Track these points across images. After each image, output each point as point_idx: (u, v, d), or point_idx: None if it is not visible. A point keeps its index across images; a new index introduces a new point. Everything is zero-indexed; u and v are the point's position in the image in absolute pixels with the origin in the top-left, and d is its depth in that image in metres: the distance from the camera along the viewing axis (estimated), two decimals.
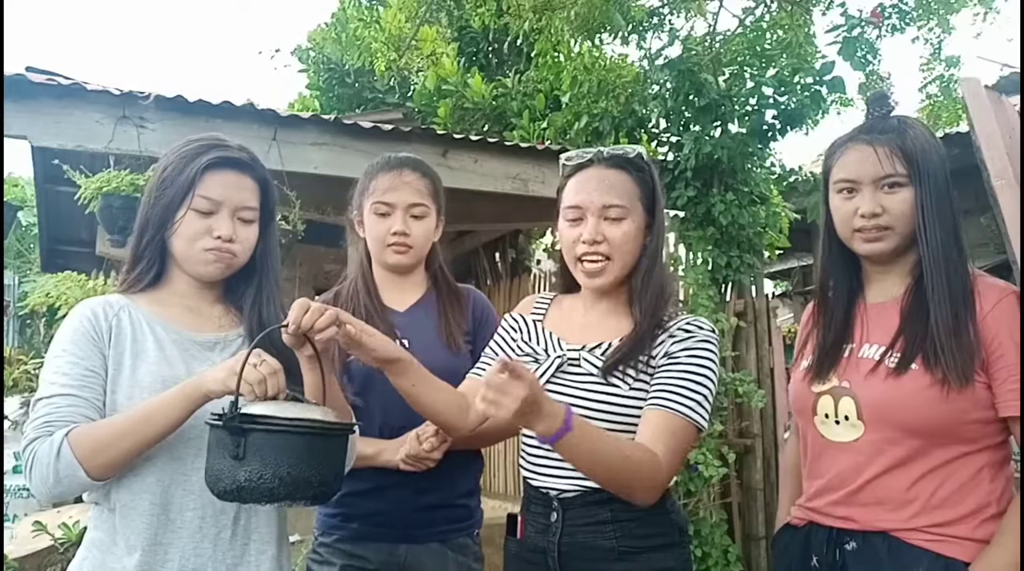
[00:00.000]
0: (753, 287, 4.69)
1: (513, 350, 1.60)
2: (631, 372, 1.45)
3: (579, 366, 1.49)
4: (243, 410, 1.15)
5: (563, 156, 1.58)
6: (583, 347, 1.50)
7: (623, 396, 1.44)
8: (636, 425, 1.42)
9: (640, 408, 1.43)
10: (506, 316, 1.68)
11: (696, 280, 4.32)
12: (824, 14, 5.41)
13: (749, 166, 4.51)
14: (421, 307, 1.85)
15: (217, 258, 1.39)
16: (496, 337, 1.66)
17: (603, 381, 1.45)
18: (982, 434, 1.31)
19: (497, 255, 6.31)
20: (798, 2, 5.19)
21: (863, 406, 1.36)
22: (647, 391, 1.43)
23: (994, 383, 1.29)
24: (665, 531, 1.45)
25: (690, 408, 1.39)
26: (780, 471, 1.66)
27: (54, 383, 1.29)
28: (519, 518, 1.54)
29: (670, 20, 5.61)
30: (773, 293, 8.87)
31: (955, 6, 6.42)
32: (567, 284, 1.62)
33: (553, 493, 1.47)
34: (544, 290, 5.61)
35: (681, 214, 4.56)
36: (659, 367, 1.44)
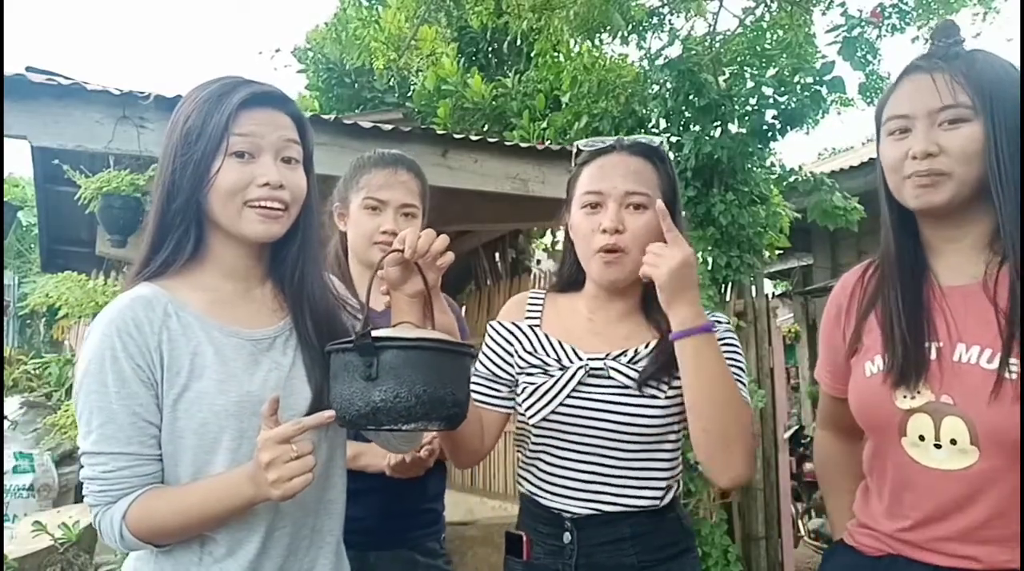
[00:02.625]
0: (753, 287, 4.69)
1: (512, 365, 1.45)
2: (666, 381, 1.35)
3: (606, 377, 1.37)
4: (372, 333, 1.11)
5: (579, 143, 1.47)
6: (606, 355, 1.38)
7: (660, 408, 1.35)
8: (672, 439, 1.37)
9: (676, 419, 1.36)
10: (492, 325, 1.50)
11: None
12: (824, 14, 5.40)
13: (749, 166, 4.50)
14: None
15: (268, 213, 1.16)
16: (486, 350, 1.48)
17: (638, 392, 1.35)
18: None
19: (497, 255, 6.31)
20: (798, 2, 5.19)
21: (981, 431, 1.08)
22: (682, 401, 1.32)
23: None
24: (678, 539, 1.41)
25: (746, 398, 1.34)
26: (821, 469, 1.44)
27: (100, 434, 1.11)
28: (524, 538, 1.41)
29: (670, 20, 5.61)
30: (773, 293, 8.88)
31: (955, 6, 6.41)
32: (566, 281, 1.51)
33: (566, 514, 1.37)
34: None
35: (682, 214, 4.55)
36: None
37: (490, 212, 4.94)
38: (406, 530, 1.73)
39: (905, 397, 1.15)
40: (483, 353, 1.49)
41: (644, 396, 1.35)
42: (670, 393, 1.36)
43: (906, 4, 4.97)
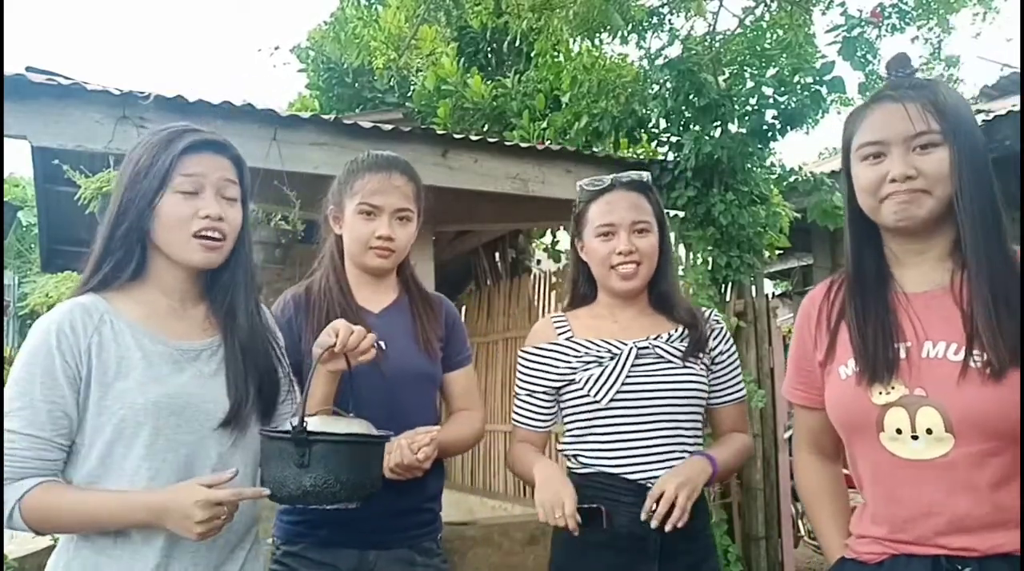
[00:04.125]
0: (753, 287, 4.69)
1: (553, 379, 1.74)
2: (699, 356, 1.73)
3: (654, 356, 1.69)
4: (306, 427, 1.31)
5: (581, 182, 1.81)
6: (646, 338, 1.71)
7: (698, 375, 1.72)
8: (704, 396, 1.73)
9: (706, 383, 1.73)
10: (527, 349, 1.81)
11: (696, 280, 4.32)
12: (824, 14, 5.41)
13: (749, 166, 4.50)
14: (395, 310, 1.82)
15: (208, 246, 1.34)
16: (525, 374, 1.79)
17: (680, 365, 1.70)
18: None
19: (497, 255, 6.31)
20: (798, 2, 5.19)
21: (954, 417, 1.15)
22: (706, 371, 1.74)
23: None
24: (704, 503, 1.73)
25: (743, 391, 1.82)
26: (805, 493, 1.48)
27: (18, 416, 1.24)
28: (603, 510, 1.61)
29: (670, 20, 5.61)
30: (773, 293, 8.88)
31: (955, 6, 6.42)
32: (580, 298, 1.83)
33: (652, 482, 1.60)
34: (543, 290, 5.64)
35: (681, 214, 4.55)
36: (719, 363, 1.77)
37: (490, 212, 4.94)
38: (405, 529, 1.73)
39: (880, 393, 1.21)
40: (521, 376, 1.80)
41: (684, 367, 1.70)
42: (701, 367, 1.73)
43: (906, 4, 4.97)
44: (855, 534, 1.31)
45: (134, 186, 1.33)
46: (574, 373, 1.70)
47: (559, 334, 1.78)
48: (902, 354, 1.22)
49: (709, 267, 4.44)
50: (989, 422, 1.14)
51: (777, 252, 4.93)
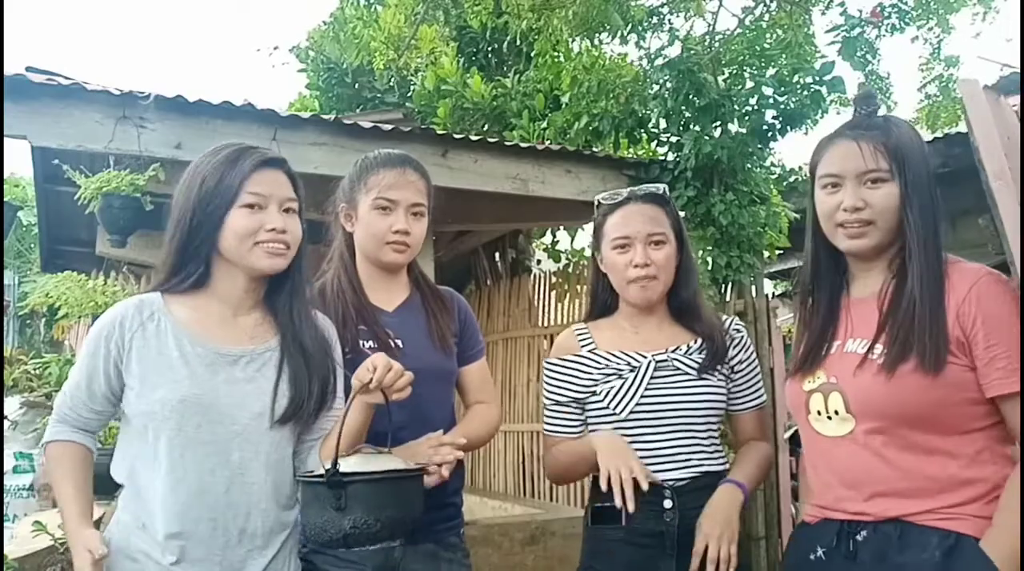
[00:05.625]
0: (753, 287, 4.68)
1: (578, 389, 1.78)
2: (717, 369, 1.77)
3: (672, 368, 1.74)
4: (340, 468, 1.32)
5: (599, 196, 1.86)
6: (665, 350, 1.75)
7: (716, 388, 1.76)
8: (722, 406, 1.78)
9: (724, 393, 1.77)
10: (552, 361, 1.85)
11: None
12: (824, 14, 5.41)
13: (749, 166, 4.50)
14: (409, 308, 1.83)
15: (274, 250, 1.46)
16: (551, 385, 1.83)
17: (697, 378, 1.74)
18: (972, 416, 1.33)
19: (497, 255, 6.31)
20: (798, 2, 5.19)
21: (851, 400, 1.39)
22: (725, 381, 1.78)
23: (978, 364, 1.31)
24: None
25: (763, 397, 1.85)
26: (800, 471, 1.71)
27: (73, 383, 1.48)
28: (623, 507, 1.64)
29: (670, 20, 5.61)
30: (773, 293, 8.87)
31: (955, 6, 6.42)
32: (601, 309, 1.88)
33: (668, 483, 1.67)
34: (543, 290, 5.63)
35: (681, 214, 4.55)
36: (739, 372, 1.81)
37: (490, 212, 4.94)
38: (429, 524, 1.72)
39: (808, 381, 1.48)
40: (548, 388, 1.85)
41: (701, 380, 1.74)
42: (719, 379, 1.77)
43: (906, 4, 4.97)
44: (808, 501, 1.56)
45: (204, 204, 1.45)
46: (596, 385, 1.76)
47: (582, 346, 1.83)
48: (833, 350, 1.46)
49: (709, 267, 4.43)
50: (875, 405, 1.36)
51: (777, 252, 4.93)
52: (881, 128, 1.43)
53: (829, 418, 1.43)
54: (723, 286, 4.50)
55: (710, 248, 4.41)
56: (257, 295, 1.54)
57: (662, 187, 1.86)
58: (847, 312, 1.48)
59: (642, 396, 1.71)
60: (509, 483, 5.59)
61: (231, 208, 1.45)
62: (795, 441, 5.72)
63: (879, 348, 1.38)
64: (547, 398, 1.85)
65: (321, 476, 1.31)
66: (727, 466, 1.78)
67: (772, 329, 4.58)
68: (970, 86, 1.98)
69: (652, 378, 1.72)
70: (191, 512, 1.41)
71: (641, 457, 1.67)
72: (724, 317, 1.87)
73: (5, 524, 4.16)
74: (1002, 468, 1.32)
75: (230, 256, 1.47)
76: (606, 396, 1.73)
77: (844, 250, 1.46)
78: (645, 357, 1.74)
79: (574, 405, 1.80)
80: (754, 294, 4.68)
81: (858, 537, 1.39)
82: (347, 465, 1.32)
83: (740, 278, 4.47)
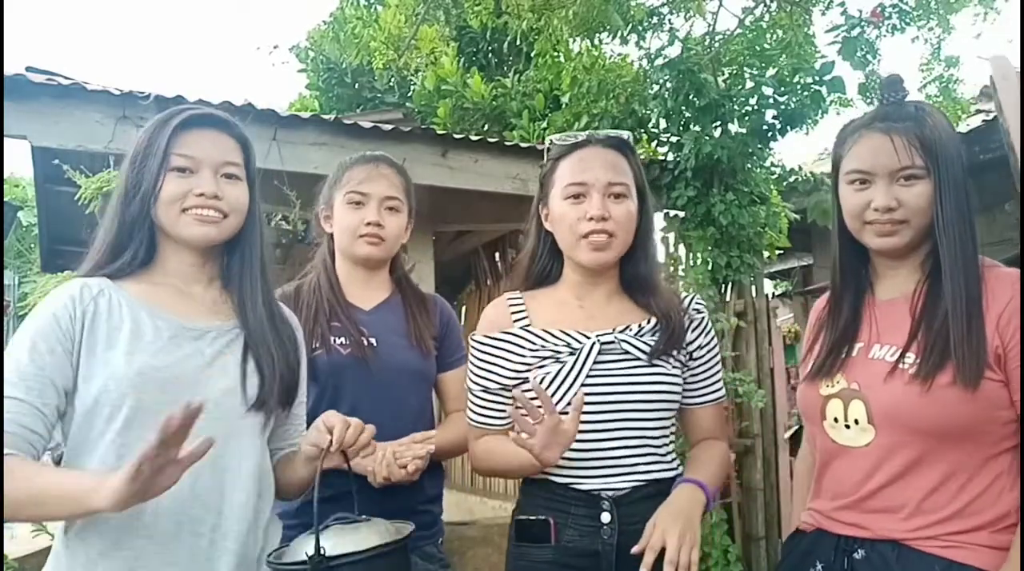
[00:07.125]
0: (753, 287, 4.69)
1: (507, 374, 1.48)
2: (672, 354, 1.49)
3: (619, 352, 1.45)
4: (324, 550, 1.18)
5: (553, 137, 1.56)
6: (613, 330, 1.46)
7: (670, 375, 1.48)
8: (677, 400, 1.50)
9: (680, 388, 1.50)
10: (477, 339, 1.53)
11: (696, 280, 4.32)
12: (824, 14, 5.40)
13: (749, 166, 4.50)
14: (387, 308, 1.82)
15: (203, 218, 1.29)
16: (475, 367, 1.52)
17: (648, 364, 1.45)
18: (997, 438, 1.23)
19: (497, 255, 6.30)
20: (798, 2, 5.19)
21: (875, 410, 1.28)
22: (681, 369, 1.51)
23: (1012, 379, 1.21)
24: None
25: (723, 391, 1.57)
26: (795, 475, 1.59)
27: (9, 380, 1.18)
28: (550, 521, 1.43)
29: (670, 20, 5.60)
30: (773, 293, 8.87)
31: (955, 6, 6.41)
32: (540, 276, 1.58)
33: (607, 493, 1.41)
34: None
35: (681, 214, 4.56)
36: (697, 359, 1.53)
37: (490, 212, 4.93)
38: None
39: (827, 386, 1.36)
40: (472, 370, 1.53)
41: (656, 367, 1.46)
42: (674, 365, 1.49)
43: (906, 4, 4.97)
44: (806, 507, 1.45)
45: (135, 171, 1.30)
46: (528, 370, 1.46)
47: (515, 321, 1.52)
48: (854, 353, 1.35)
49: (709, 267, 4.43)
50: (905, 418, 1.25)
51: (777, 252, 4.94)
52: (914, 119, 1.29)
53: (847, 427, 1.32)
54: (723, 286, 4.50)
55: (710, 248, 4.41)
56: (211, 271, 1.38)
57: (626, 133, 1.56)
58: (872, 314, 1.37)
59: (582, 385, 1.41)
60: (509, 483, 5.59)
61: (160, 173, 1.28)
62: (795, 441, 5.72)
63: (911, 356, 1.26)
64: (472, 382, 1.53)
65: (304, 564, 1.17)
66: (680, 472, 1.48)
67: (772, 329, 4.58)
68: (1001, 64, 1.82)
69: (596, 363, 1.42)
70: (147, 509, 1.15)
71: (576, 460, 1.40)
72: (683, 294, 1.58)
73: (5, 524, 4.16)
74: (1015, 497, 1.22)
75: (162, 226, 1.31)
76: (541, 384, 1.42)
77: (874, 249, 1.35)
78: (588, 337, 1.44)
79: (503, 393, 1.49)
80: (754, 294, 4.68)
81: (855, 555, 1.29)
82: (328, 545, 1.18)
83: (740, 278, 4.47)
